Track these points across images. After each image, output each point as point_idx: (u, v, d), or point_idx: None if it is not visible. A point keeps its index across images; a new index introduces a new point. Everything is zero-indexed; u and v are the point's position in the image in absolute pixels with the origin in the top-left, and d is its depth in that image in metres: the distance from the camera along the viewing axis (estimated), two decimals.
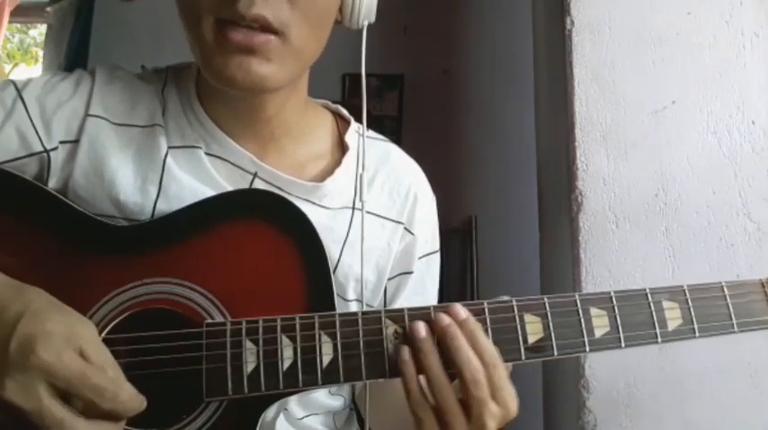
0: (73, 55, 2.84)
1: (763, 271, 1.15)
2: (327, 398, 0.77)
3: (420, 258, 0.80)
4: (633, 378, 1.17)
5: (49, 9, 3.04)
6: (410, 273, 0.79)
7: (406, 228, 0.78)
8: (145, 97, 0.72)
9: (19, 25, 4.48)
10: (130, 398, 0.52)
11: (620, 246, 1.19)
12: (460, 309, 0.59)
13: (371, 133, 0.81)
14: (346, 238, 0.73)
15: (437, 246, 0.83)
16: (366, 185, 0.72)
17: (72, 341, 0.51)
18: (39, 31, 4.47)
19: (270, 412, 0.61)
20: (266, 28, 0.59)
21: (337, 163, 0.75)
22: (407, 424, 0.65)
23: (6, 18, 2.65)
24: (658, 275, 1.18)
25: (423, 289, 0.80)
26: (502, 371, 0.58)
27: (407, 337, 0.58)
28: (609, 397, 1.17)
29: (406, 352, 0.58)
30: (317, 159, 0.76)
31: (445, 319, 0.58)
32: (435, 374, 0.57)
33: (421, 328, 0.58)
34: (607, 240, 1.19)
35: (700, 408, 1.15)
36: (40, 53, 3.95)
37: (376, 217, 0.76)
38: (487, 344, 0.58)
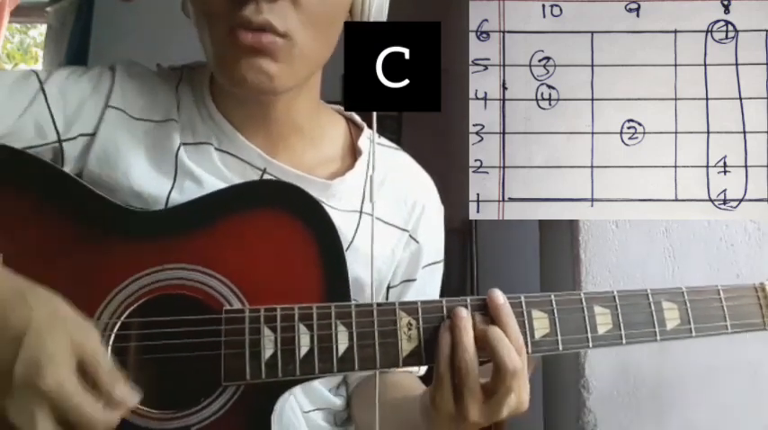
0: (73, 55, 2.84)
1: (763, 271, 1.17)
2: (331, 395, 0.78)
3: (424, 267, 0.80)
4: (633, 378, 1.18)
5: (49, 9, 3.05)
6: (413, 280, 0.80)
7: (411, 236, 0.78)
8: (161, 93, 0.73)
9: (19, 25, 4.46)
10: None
11: (620, 246, 1.20)
12: (499, 294, 0.62)
13: (383, 140, 0.82)
14: (351, 242, 0.73)
15: (441, 256, 0.84)
16: (376, 186, 0.72)
17: (74, 358, 0.50)
18: (39, 31, 4.45)
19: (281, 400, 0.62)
20: (273, 32, 0.61)
21: (348, 167, 0.76)
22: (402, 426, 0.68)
23: (6, 18, 2.66)
24: (658, 275, 1.19)
25: (423, 296, 0.79)
26: (525, 358, 0.60)
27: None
28: (609, 397, 1.18)
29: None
30: (327, 162, 0.76)
31: (500, 298, 0.61)
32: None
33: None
34: (607, 240, 1.20)
35: (700, 408, 1.16)
36: (40, 53, 3.93)
37: (382, 223, 0.76)
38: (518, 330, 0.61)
